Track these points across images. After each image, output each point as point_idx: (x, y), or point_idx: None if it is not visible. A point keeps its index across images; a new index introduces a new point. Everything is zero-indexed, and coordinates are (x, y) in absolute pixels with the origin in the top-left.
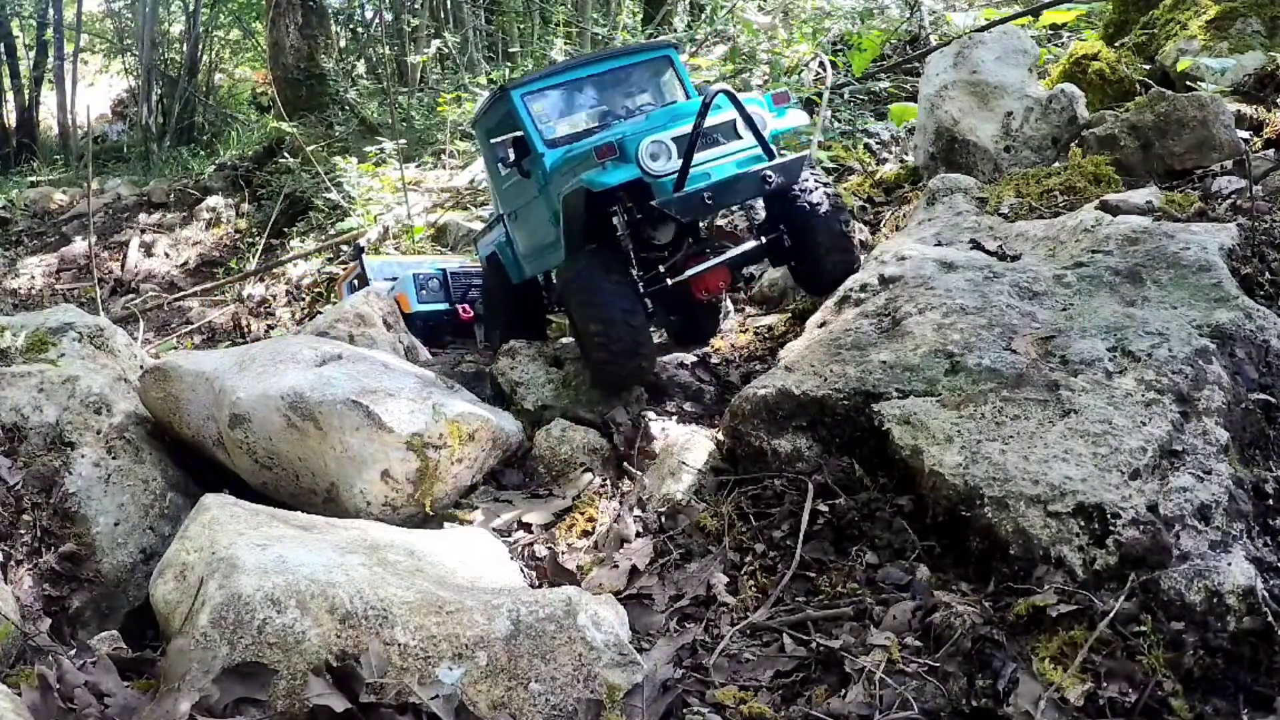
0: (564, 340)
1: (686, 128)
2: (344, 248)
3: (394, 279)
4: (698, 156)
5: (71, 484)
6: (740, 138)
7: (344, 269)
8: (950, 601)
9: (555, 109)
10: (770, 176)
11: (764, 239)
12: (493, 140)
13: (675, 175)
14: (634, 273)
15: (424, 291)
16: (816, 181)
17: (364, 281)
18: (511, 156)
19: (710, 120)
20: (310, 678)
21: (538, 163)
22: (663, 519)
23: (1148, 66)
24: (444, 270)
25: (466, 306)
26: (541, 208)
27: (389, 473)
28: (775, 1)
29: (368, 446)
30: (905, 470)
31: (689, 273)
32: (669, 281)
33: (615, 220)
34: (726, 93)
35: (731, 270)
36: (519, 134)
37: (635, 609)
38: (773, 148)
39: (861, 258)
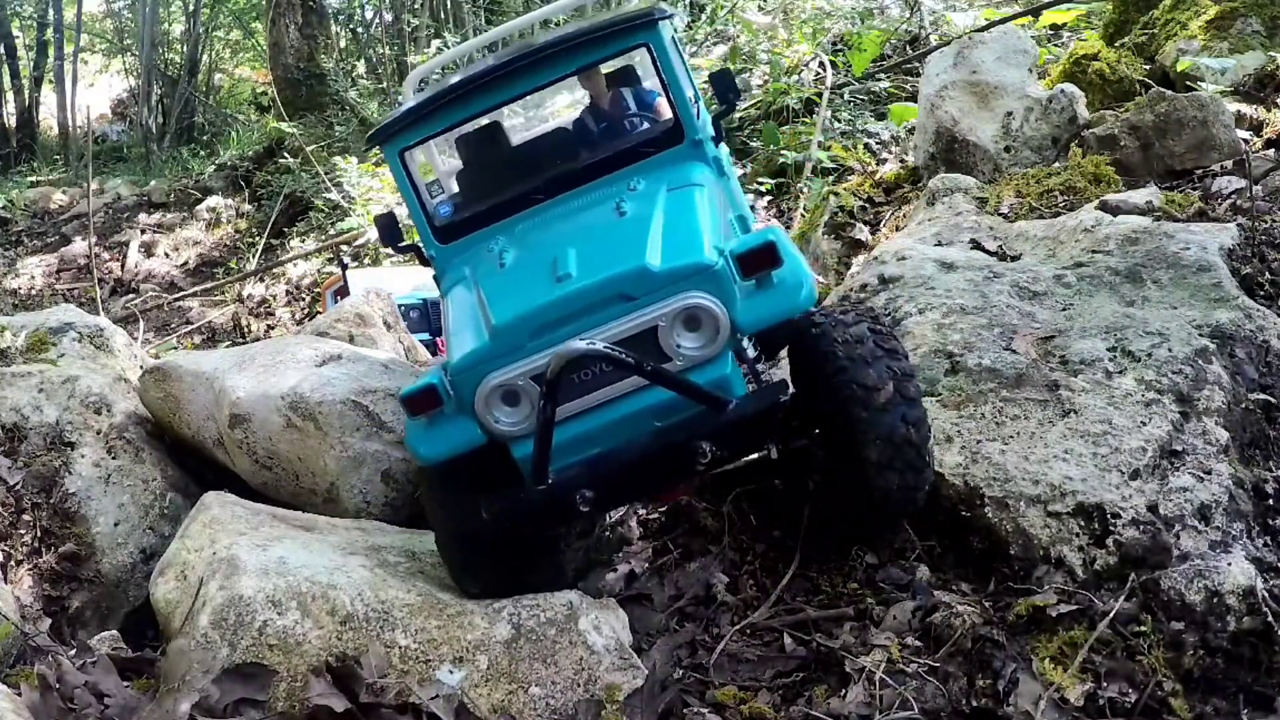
0: None
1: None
2: (344, 247)
3: None
4: (578, 402)
5: (71, 484)
6: (661, 348)
7: (329, 277)
8: (950, 601)
9: (463, 155)
10: (706, 449)
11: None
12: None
13: (536, 441)
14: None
15: (405, 321)
16: (861, 329)
17: (345, 293)
18: (402, 240)
19: (612, 330)
20: (311, 678)
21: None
22: (663, 519)
23: (1148, 66)
24: (424, 300)
25: None
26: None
27: (389, 473)
28: (775, 1)
29: (368, 446)
30: None
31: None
32: (595, 532)
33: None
34: (601, 353)
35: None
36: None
37: (635, 609)
38: (722, 383)
39: (932, 470)
